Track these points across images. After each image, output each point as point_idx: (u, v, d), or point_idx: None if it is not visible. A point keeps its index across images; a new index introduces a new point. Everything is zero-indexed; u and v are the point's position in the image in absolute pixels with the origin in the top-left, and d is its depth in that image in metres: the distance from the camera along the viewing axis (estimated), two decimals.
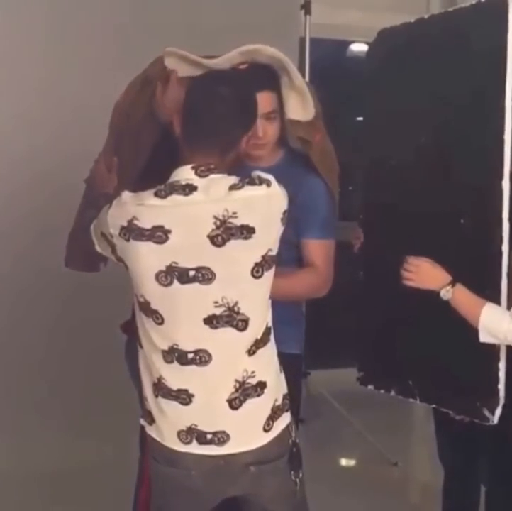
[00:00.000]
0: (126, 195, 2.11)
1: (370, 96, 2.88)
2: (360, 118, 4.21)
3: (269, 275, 2.13)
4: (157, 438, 2.18)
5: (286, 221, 2.15)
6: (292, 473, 2.21)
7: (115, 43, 4.17)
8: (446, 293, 2.41)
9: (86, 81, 4.09)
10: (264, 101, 2.45)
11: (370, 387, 2.81)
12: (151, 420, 2.19)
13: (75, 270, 2.66)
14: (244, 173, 2.17)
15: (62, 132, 4.06)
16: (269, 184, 2.11)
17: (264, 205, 2.10)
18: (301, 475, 2.23)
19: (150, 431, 2.20)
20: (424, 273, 2.43)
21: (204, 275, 2.05)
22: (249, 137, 2.21)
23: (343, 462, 4.61)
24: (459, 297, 2.40)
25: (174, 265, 2.05)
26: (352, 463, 4.73)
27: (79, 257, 2.59)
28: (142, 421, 2.23)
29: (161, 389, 2.14)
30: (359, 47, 5.41)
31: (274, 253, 2.13)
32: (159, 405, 2.15)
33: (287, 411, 2.22)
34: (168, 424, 2.16)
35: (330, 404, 4.83)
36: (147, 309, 2.12)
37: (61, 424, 4.11)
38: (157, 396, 2.15)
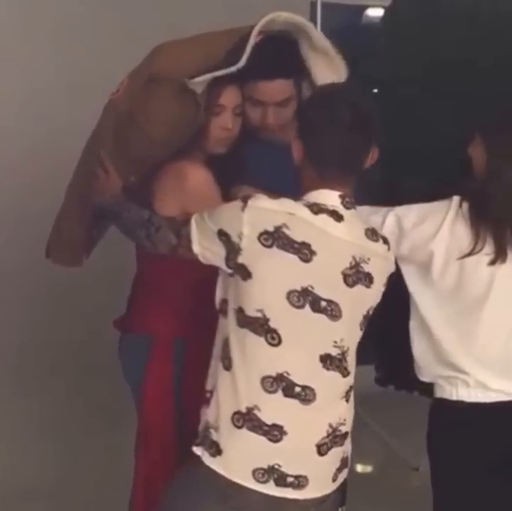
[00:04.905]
0: (265, 198, 2.08)
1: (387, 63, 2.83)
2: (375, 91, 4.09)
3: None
4: (221, 472, 2.06)
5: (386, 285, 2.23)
6: (341, 509, 2.25)
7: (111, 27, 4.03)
8: None
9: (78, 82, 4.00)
10: (277, 89, 2.42)
11: (390, 387, 2.68)
12: (216, 451, 2.07)
13: (56, 262, 2.67)
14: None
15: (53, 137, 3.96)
16: (389, 248, 2.22)
17: (384, 263, 2.20)
18: (344, 507, 2.29)
19: (211, 462, 2.07)
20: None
21: (333, 310, 2.07)
22: (373, 153, 2.19)
23: (359, 467, 4.41)
24: None
25: (310, 289, 2.05)
26: (368, 468, 4.61)
27: (64, 248, 2.61)
28: (198, 451, 2.09)
29: (250, 420, 2.04)
30: (375, 12, 5.32)
31: (371, 311, 2.19)
32: (239, 437, 2.05)
33: (347, 467, 2.23)
34: (244, 459, 2.06)
35: None
36: (261, 326, 2.04)
37: (45, 429, 4.02)
38: (239, 427, 2.04)
